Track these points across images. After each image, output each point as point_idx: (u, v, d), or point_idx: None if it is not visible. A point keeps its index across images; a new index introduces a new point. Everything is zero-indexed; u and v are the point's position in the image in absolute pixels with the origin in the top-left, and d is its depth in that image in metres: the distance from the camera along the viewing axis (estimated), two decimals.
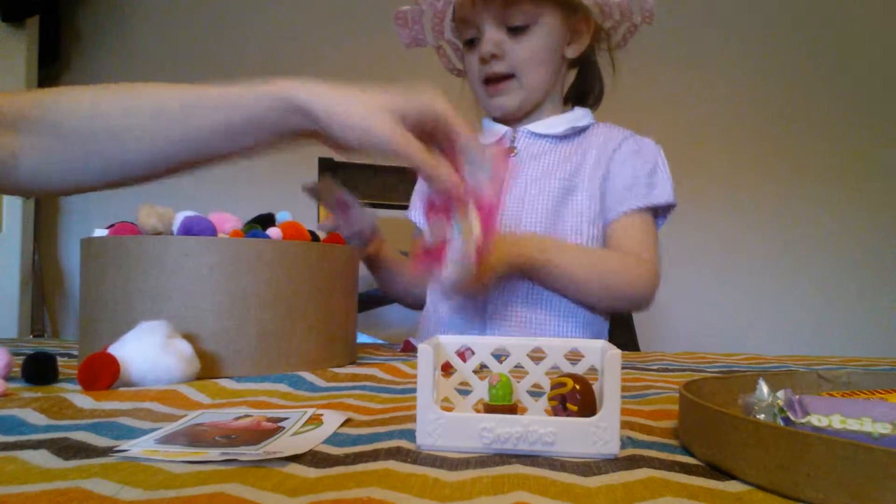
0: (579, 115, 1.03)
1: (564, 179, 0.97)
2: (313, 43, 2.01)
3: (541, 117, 1.03)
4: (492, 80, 0.99)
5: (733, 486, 0.29)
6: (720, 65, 2.06)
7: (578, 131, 1.02)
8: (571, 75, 1.08)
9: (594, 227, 0.96)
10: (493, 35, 0.96)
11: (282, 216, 0.67)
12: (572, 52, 1.02)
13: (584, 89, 1.09)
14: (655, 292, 0.94)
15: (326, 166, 1.37)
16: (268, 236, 0.61)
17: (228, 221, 0.61)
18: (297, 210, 0.73)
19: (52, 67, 2.02)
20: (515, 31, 0.97)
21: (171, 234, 0.58)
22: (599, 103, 1.10)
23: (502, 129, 1.04)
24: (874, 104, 2.05)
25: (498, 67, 0.97)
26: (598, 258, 0.93)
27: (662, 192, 0.97)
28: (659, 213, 1.00)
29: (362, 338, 1.25)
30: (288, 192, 1.95)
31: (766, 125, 2.05)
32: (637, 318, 1.31)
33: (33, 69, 1.90)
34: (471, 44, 1.00)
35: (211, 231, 0.58)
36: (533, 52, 0.97)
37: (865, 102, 2.05)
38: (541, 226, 0.96)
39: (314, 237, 0.65)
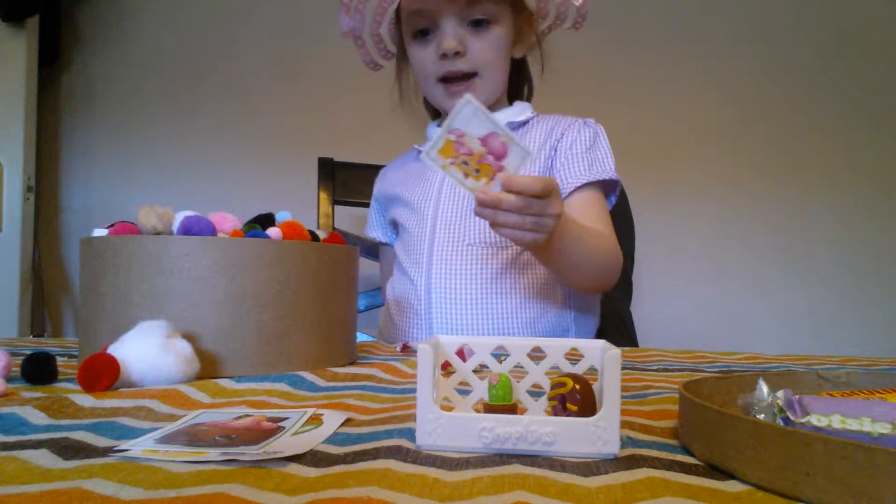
0: (519, 110, 1.03)
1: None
2: (314, 42, 2.00)
3: None
4: (451, 79, 0.95)
5: (733, 486, 0.29)
6: (721, 62, 2.05)
7: (519, 125, 1.01)
8: None
9: None
10: (455, 30, 0.92)
11: (282, 216, 0.67)
12: (519, 52, 1.02)
13: (517, 88, 1.08)
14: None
15: (326, 166, 1.37)
16: (268, 236, 0.60)
17: (228, 221, 0.61)
18: (297, 210, 0.73)
19: (52, 67, 2.02)
20: (477, 27, 0.93)
21: (171, 234, 0.58)
22: (530, 100, 1.10)
23: None
24: (877, 100, 2.05)
25: (460, 65, 0.93)
26: (596, 239, 0.91)
27: (603, 168, 0.96)
28: (608, 192, 1.00)
29: (362, 337, 1.25)
30: (288, 192, 1.95)
31: (767, 121, 2.05)
32: (637, 317, 1.31)
33: (33, 69, 1.90)
34: (422, 35, 0.96)
35: (211, 231, 0.58)
36: (495, 51, 0.94)
37: (868, 98, 2.05)
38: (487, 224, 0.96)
39: (314, 237, 0.65)
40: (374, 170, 1.20)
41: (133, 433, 0.38)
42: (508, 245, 0.95)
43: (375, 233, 1.15)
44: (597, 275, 0.92)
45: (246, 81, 2.04)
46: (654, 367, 0.70)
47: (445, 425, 0.34)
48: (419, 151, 1.08)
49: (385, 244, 1.16)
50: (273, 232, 0.62)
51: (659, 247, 1.95)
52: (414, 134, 1.13)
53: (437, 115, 1.12)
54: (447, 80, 0.95)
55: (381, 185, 1.14)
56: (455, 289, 0.94)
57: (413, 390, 0.45)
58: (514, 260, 0.95)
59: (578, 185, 0.95)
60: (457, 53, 0.92)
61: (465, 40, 0.93)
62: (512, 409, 0.38)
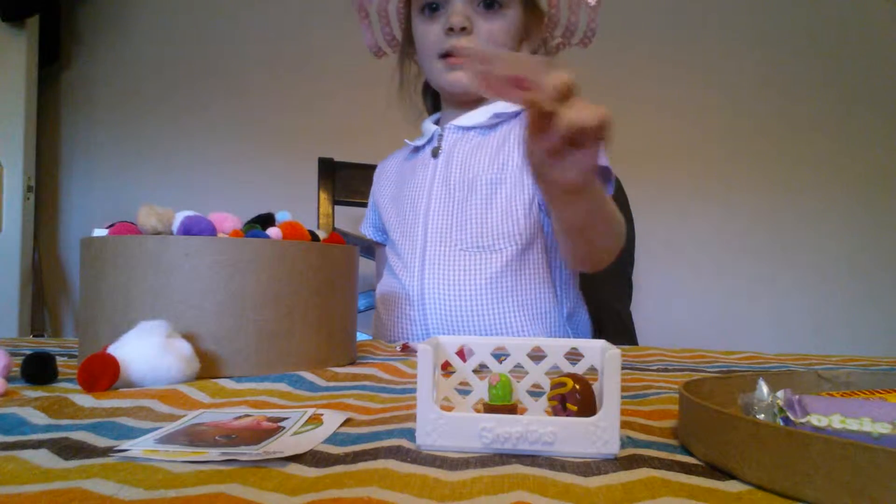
0: (507, 103, 1.01)
1: (495, 172, 0.95)
2: (314, 42, 2.01)
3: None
4: (453, 54, 0.95)
5: (733, 486, 0.29)
6: (720, 62, 2.05)
7: (508, 118, 0.99)
8: None
9: (530, 214, 0.94)
10: (465, 7, 0.92)
11: (282, 216, 0.67)
12: (524, 50, 1.01)
13: None
14: None
15: (326, 166, 1.37)
16: (268, 236, 0.61)
17: (228, 221, 0.61)
18: (297, 210, 0.73)
19: (52, 67, 2.02)
20: (487, 10, 0.93)
21: (171, 234, 0.58)
22: None
23: (432, 128, 1.03)
24: (875, 100, 2.05)
25: (465, 43, 0.93)
26: (611, 204, 0.85)
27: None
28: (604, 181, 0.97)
29: (362, 337, 1.25)
30: (288, 191, 1.95)
31: (766, 121, 2.05)
32: (636, 317, 1.31)
33: (33, 69, 1.90)
34: (430, 11, 0.95)
35: (211, 231, 0.58)
36: (501, 35, 0.94)
37: (866, 98, 2.05)
38: (475, 222, 0.95)
39: (314, 237, 0.65)
40: (373, 170, 1.20)
41: (133, 433, 0.38)
42: (501, 249, 0.94)
43: (367, 230, 1.16)
44: (612, 239, 0.87)
45: (246, 81, 2.04)
46: (654, 367, 0.70)
47: (445, 425, 0.34)
48: (414, 147, 1.08)
49: (379, 244, 1.15)
50: (273, 232, 0.62)
51: (659, 247, 1.95)
52: (415, 133, 1.13)
53: (436, 108, 1.11)
54: (448, 55, 0.95)
55: (377, 183, 1.15)
56: (448, 293, 0.94)
57: (413, 390, 0.45)
58: (508, 264, 0.94)
59: None
60: (463, 29, 0.92)
61: (473, 18, 0.93)
62: (512, 409, 0.38)
